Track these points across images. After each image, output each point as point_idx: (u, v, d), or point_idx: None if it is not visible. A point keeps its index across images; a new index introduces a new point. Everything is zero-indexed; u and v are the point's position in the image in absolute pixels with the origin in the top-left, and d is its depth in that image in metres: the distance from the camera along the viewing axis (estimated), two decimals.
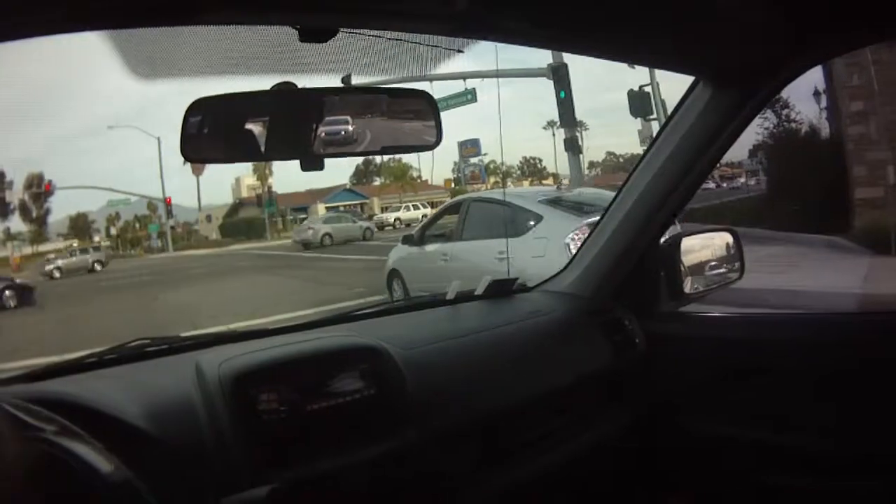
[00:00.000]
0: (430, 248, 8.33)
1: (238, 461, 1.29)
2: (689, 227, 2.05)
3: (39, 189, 55.12)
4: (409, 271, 8.65)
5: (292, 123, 1.39)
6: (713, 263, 2.08)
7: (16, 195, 55.39)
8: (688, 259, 2.01)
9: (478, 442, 1.63)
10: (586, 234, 4.91)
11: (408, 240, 8.95)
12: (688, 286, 2.01)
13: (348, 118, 1.44)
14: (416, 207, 42.02)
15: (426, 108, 1.51)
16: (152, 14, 1.10)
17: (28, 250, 57.23)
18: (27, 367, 1.50)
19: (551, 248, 6.43)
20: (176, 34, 1.18)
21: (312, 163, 1.40)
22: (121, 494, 0.95)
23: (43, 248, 62.17)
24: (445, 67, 1.46)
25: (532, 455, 1.71)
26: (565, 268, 2.18)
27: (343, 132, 1.44)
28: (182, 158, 1.31)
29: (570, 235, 6.49)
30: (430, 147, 1.51)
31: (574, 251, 5.29)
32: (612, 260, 2.02)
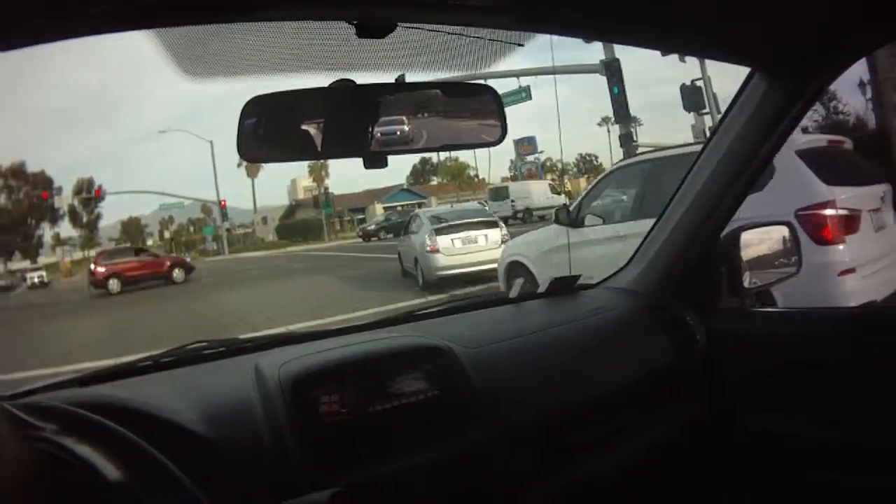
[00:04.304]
0: (408, 238, 13.50)
1: (298, 464, 1.27)
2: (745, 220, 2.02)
3: (89, 194, 56.43)
4: (401, 253, 14.33)
5: (350, 121, 1.35)
6: (771, 257, 2.03)
7: (65, 201, 56.67)
8: (746, 253, 1.96)
9: (541, 441, 1.59)
10: (434, 237, 11.55)
11: (398, 235, 15.11)
12: (746, 281, 1.96)
13: (404, 118, 1.40)
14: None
15: (490, 103, 1.46)
16: (203, 11, 1.07)
17: (79, 255, 58.77)
18: (79, 371, 1.48)
19: (423, 242, 12.02)
20: (229, 32, 1.14)
21: (375, 160, 1.37)
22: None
23: (94, 252, 63.95)
24: (501, 64, 1.41)
25: (594, 453, 1.68)
26: (627, 263, 2.13)
27: (399, 132, 1.40)
28: (236, 161, 1.29)
29: (425, 236, 12.00)
30: (494, 143, 1.47)
31: (428, 244, 11.74)
32: (672, 255, 1.98)
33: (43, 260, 52.02)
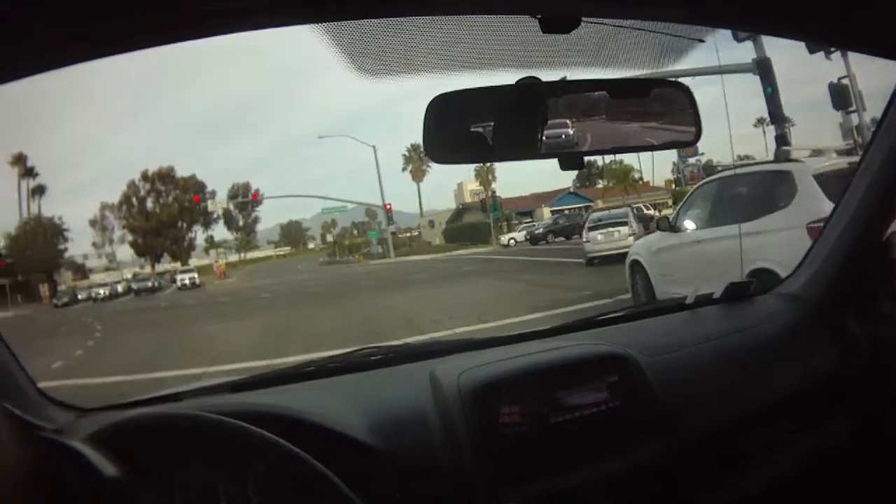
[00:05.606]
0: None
1: (476, 476, 1.26)
2: None
3: (245, 198, 59.00)
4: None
5: (531, 120, 1.29)
6: None
7: (219, 205, 58.74)
8: None
9: (715, 453, 1.55)
10: (587, 232, 18.01)
11: (568, 237, 23.38)
12: None
13: (567, 121, 1.33)
14: (639, 209, 41.49)
15: (682, 101, 1.39)
16: (381, 6, 1.04)
17: (234, 258, 61.69)
18: (233, 373, 1.49)
19: (582, 236, 17.72)
20: (407, 26, 1.10)
21: (571, 161, 1.34)
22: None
23: (251, 255, 67.09)
24: (681, 62, 1.31)
25: (761, 465, 1.64)
26: (797, 269, 2.06)
27: (563, 135, 1.33)
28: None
29: (583, 232, 17.60)
30: (689, 143, 1.42)
31: (584, 237, 18.22)
32: (839, 261, 1.90)
33: (194, 262, 54.34)
